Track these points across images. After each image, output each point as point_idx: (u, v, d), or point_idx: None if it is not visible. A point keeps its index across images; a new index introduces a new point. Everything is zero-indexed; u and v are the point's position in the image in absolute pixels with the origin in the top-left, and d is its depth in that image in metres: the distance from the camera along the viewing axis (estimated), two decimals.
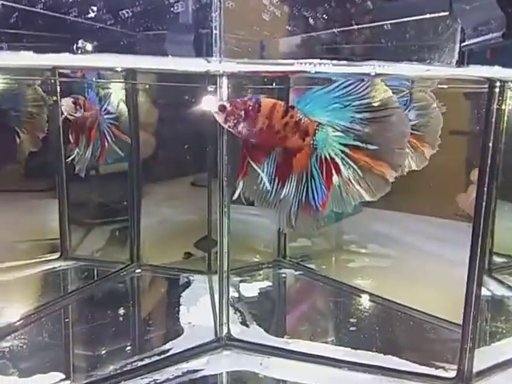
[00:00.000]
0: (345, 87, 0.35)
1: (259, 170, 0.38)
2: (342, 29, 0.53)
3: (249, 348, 0.49)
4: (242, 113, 0.36)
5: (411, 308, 0.55)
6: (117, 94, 0.63)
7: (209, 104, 0.38)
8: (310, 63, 0.35)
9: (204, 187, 0.85)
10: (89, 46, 0.42)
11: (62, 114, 0.59)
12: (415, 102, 0.47)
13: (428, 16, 0.46)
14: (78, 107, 0.56)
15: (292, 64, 0.38)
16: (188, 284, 0.67)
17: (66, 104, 0.56)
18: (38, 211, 0.81)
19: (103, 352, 0.49)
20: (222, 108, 0.37)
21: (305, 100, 0.37)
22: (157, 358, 0.47)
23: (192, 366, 0.46)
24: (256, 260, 0.76)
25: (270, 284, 0.67)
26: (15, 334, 0.52)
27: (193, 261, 0.75)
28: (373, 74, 0.34)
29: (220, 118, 0.37)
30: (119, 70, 0.49)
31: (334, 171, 0.36)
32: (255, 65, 0.44)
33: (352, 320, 0.54)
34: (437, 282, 0.62)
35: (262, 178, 0.38)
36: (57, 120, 0.72)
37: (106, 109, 0.61)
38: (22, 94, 0.66)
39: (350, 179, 0.36)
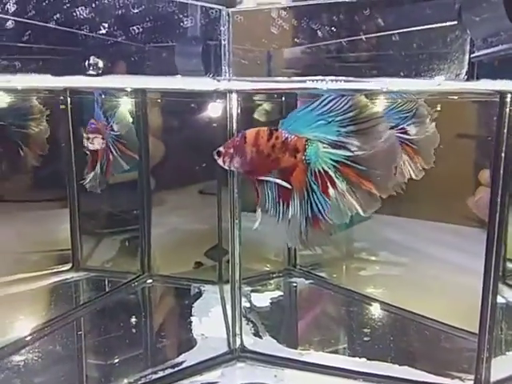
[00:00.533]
0: (326, 104, 0.36)
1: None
2: (348, 39, 0.53)
3: (262, 360, 0.49)
4: (232, 150, 0.39)
5: (425, 317, 0.55)
6: (123, 109, 0.63)
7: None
8: (322, 80, 0.36)
9: (213, 195, 0.85)
10: (100, 63, 0.42)
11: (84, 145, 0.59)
12: (416, 118, 0.48)
13: (436, 25, 0.46)
14: (101, 140, 0.57)
15: (304, 81, 0.39)
16: (199, 294, 0.67)
17: (97, 143, 0.56)
18: (47, 221, 0.81)
19: (117, 365, 0.50)
20: (218, 153, 0.40)
21: (289, 120, 0.38)
22: (170, 370, 0.47)
23: (206, 378, 0.46)
24: (266, 269, 0.76)
25: (282, 293, 0.67)
26: (28, 348, 0.52)
27: (204, 270, 0.75)
28: (384, 89, 0.34)
29: (220, 162, 0.40)
30: (129, 90, 0.50)
31: (329, 184, 0.37)
32: (264, 83, 0.44)
33: (365, 330, 0.54)
34: (450, 290, 0.62)
35: (267, 205, 0.39)
36: (67, 130, 0.73)
37: (111, 125, 0.61)
38: (17, 107, 0.66)
39: (344, 191, 0.36)
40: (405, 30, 0.45)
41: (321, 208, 0.37)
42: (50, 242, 0.79)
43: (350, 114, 0.36)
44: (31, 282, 0.70)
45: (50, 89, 0.53)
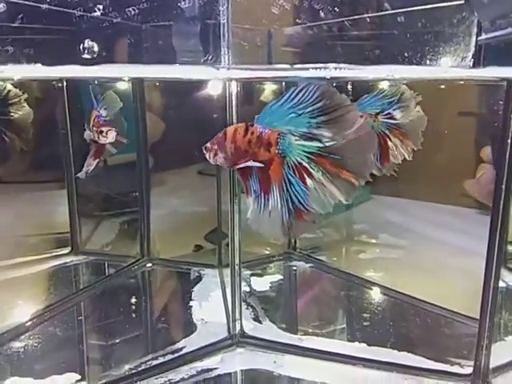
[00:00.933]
0: (296, 96, 0.36)
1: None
2: (351, 18, 0.52)
3: (262, 345, 0.49)
4: (216, 146, 0.40)
5: (425, 301, 0.55)
6: (110, 93, 0.62)
7: None
8: (324, 68, 0.34)
9: (212, 176, 0.84)
10: (95, 47, 0.41)
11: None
12: (401, 102, 0.48)
13: (442, 5, 0.45)
14: (115, 132, 0.55)
15: (306, 69, 0.37)
16: (199, 278, 0.67)
17: (111, 136, 0.54)
18: (45, 203, 0.81)
19: (116, 351, 0.50)
20: (205, 149, 0.41)
21: (263, 115, 0.38)
22: (171, 356, 0.47)
23: (206, 364, 0.46)
24: (266, 252, 0.75)
25: (281, 277, 0.67)
26: (28, 334, 0.52)
27: (203, 254, 0.75)
28: (391, 77, 0.33)
29: (208, 157, 0.41)
30: (126, 79, 0.49)
31: (305, 175, 0.37)
32: (264, 71, 0.43)
33: (365, 315, 0.54)
34: (450, 274, 0.62)
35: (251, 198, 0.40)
36: (63, 111, 0.72)
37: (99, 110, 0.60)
38: None
39: (321, 181, 0.37)
40: (410, 9, 0.44)
41: (301, 199, 0.37)
42: (48, 225, 0.79)
43: (319, 104, 0.35)
44: (31, 265, 0.70)
45: (45, 79, 0.51)
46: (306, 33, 0.53)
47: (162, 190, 0.80)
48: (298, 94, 0.36)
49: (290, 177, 0.37)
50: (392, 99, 0.47)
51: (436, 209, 0.83)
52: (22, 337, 0.51)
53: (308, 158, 0.37)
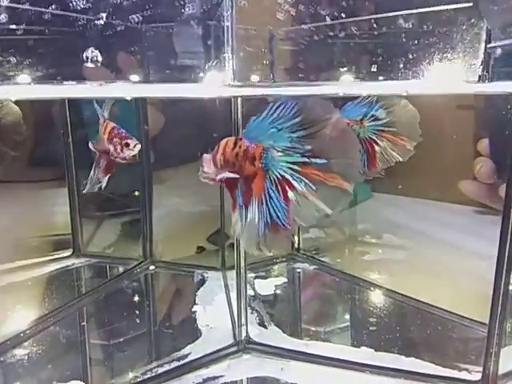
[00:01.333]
0: (274, 111, 0.37)
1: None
2: (354, 18, 0.51)
3: (268, 352, 0.48)
4: (209, 157, 0.41)
5: (432, 305, 0.55)
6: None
7: None
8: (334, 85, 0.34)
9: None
10: (99, 56, 0.40)
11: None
12: (381, 101, 0.47)
13: (451, 6, 0.44)
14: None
15: (319, 85, 0.37)
16: (203, 281, 0.67)
17: (137, 149, 0.50)
18: (46, 204, 0.80)
19: (122, 358, 0.49)
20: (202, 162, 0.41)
21: (248, 130, 0.39)
22: (176, 363, 0.47)
23: (212, 372, 0.46)
24: (270, 254, 0.75)
25: (286, 280, 0.67)
26: (30, 341, 0.51)
27: (206, 256, 0.75)
28: (404, 94, 0.33)
29: (206, 169, 0.41)
30: (129, 99, 0.48)
31: (287, 188, 0.37)
32: (269, 88, 0.44)
33: (372, 319, 0.54)
34: (458, 277, 0.62)
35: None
36: (63, 107, 0.72)
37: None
38: None
39: (305, 193, 0.37)
40: (415, 10, 0.43)
41: (279, 214, 0.37)
42: (48, 226, 0.79)
43: (297, 119, 0.36)
44: (31, 269, 0.69)
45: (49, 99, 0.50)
46: (311, 38, 0.52)
47: (163, 188, 0.80)
48: (277, 110, 0.37)
49: (270, 191, 0.38)
50: (371, 100, 0.47)
51: (440, 207, 0.83)
52: (25, 344, 0.51)
53: (291, 169, 0.37)
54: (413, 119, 0.47)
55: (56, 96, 0.42)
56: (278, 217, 0.37)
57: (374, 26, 0.45)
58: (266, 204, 0.38)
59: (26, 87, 0.37)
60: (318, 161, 0.35)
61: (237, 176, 0.39)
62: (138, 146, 0.48)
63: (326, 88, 0.36)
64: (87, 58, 0.39)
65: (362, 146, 0.47)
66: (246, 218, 0.39)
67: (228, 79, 0.48)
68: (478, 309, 0.54)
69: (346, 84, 0.35)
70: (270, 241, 0.38)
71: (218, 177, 0.40)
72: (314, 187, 0.36)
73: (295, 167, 0.36)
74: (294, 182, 0.37)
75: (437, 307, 0.54)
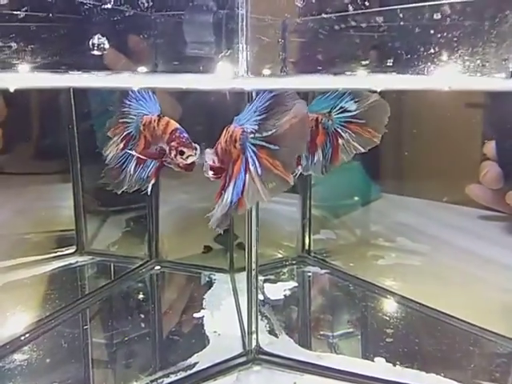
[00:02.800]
0: (257, 100, 0.39)
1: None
2: (380, 11, 0.48)
3: (280, 363, 0.46)
4: (212, 151, 0.42)
5: (452, 316, 0.52)
6: None
7: None
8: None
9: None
10: (106, 43, 0.37)
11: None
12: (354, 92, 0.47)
13: None
14: None
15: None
16: (210, 283, 0.64)
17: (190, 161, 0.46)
18: (49, 198, 0.78)
19: (125, 365, 0.47)
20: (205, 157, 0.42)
21: (238, 117, 0.40)
22: (183, 374, 0.44)
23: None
24: (279, 256, 0.72)
25: (296, 285, 0.64)
26: (30, 344, 0.49)
27: (214, 256, 0.72)
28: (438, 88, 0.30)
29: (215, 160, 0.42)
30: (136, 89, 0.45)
31: (249, 169, 0.38)
32: (283, 78, 0.43)
33: (388, 330, 0.51)
34: (476, 285, 0.59)
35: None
36: (68, 97, 0.69)
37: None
38: None
39: (253, 177, 0.38)
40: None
41: (235, 193, 0.39)
42: (51, 222, 0.76)
43: (265, 104, 0.38)
44: (33, 267, 0.67)
45: (53, 88, 0.47)
46: (329, 28, 0.50)
47: (168, 184, 0.77)
48: (258, 98, 0.39)
49: (241, 171, 0.39)
50: (343, 93, 0.47)
51: (452, 210, 0.80)
52: (25, 346, 0.49)
53: (253, 151, 0.38)
54: (382, 112, 0.47)
55: (61, 85, 0.39)
56: (234, 195, 0.39)
57: (400, 16, 0.43)
58: (235, 183, 0.39)
59: (27, 76, 0.34)
60: (271, 146, 0.37)
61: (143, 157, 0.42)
62: (192, 158, 0.44)
63: (339, 80, 0.37)
64: (94, 44, 0.37)
65: (328, 140, 0.48)
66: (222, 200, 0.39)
67: (241, 71, 0.46)
68: (501, 321, 0.51)
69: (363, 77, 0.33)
70: (222, 219, 0.39)
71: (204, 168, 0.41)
72: (260, 171, 0.38)
73: (255, 149, 0.38)
74: (250, 164, 0.38)
75: (457, 318, 0.52)
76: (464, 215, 0.79)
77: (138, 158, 0.48)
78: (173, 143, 0.44)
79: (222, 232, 0.40)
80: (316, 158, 0.48)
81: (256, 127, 0.38)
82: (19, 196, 0.78)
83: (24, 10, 0.35)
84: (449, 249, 0.71)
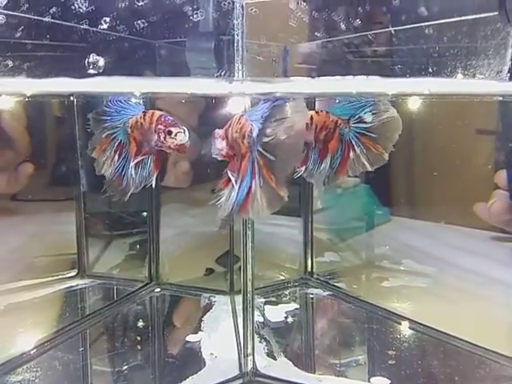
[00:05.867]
0: (261, 104, 0.39)
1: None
2: (376, 31, 0.49)
3: None
4: (221, 132, 0.41)
5: (459, 338, 0.50)
6: None
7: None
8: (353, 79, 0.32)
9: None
10: (101, 62, 0.38)
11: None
12: (373, 105, 0.46)
13: (475, 16, 0.41)
14: None
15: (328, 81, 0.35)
16: (210, 306, 0.63)
17: (180, 139, 0.46)
18: (52, 222, 0.78)
19: None
20: (215, 135, 0.41)
21: (248, 111, 0.40)
22: None
23: None
24: (281, 278, 0.71)
25: (298, 307, 0.63)
26: (29, 365, 0.48)
27: (214, 279, 0.72)
28: (426, 92, 0.30)
29: (217, 145, 0.41)
30: (137, 94, 0.46)
31: (253, 175, 0.38)
32: (279, 83, 0.41)
33: (391, 352, 0.49)
34: (484, 307, 0.57)
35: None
36: (73, 125, 0.70)
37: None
38: None
39: (256, 188, 0.37)
40: (440, 21, 0.40)
41: (241, 196, 0.38)
42: (54, 246, 0.76)
43: (268, 112, 0.37)
44: (35, 289, 0.67)
45: (57, 94, 0.48)
46: (325, 47, 0.50)
47: (174, 208, 0.77)
48: (265, 103, 0.38)
49: (248, 173, 0.38)
50: (363, 103, 0.46)
51: (460, 232, 0.79)
52: (24, 368, 0.48)
53: (256, 157, 0.37)
54: (394, 129, 0.46)
55: (63, 91, 0.40)
56: (239, 199, 0.38)
57: (392, 32, 0.43)
58: (241, 184, 0.38)
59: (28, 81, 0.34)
60: (268, 155, 0.36)
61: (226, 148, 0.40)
62: (181, 135, 0.44)
63: (337, 84, 0.35)
64: (89, 63, 0.37)
65: (340, 148, 0.46)
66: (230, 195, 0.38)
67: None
68: (508, 343, 0.50)
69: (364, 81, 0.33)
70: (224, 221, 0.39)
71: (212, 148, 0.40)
72: (261, 184, 0.37)
73: (258, 157, 0.37)
74: (256, 171, 0.37)
75: (464, 340, 0.50)
76: (471, 237, 0.77)
77: (137, 159, 0.49)
78: (159, 126, 0.45)
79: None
80: (323, 166, 0.46)
81: (259, 128, 0.37)
82: (22, 220, 0.78)
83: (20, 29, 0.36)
84: (455, 270, 0.69)
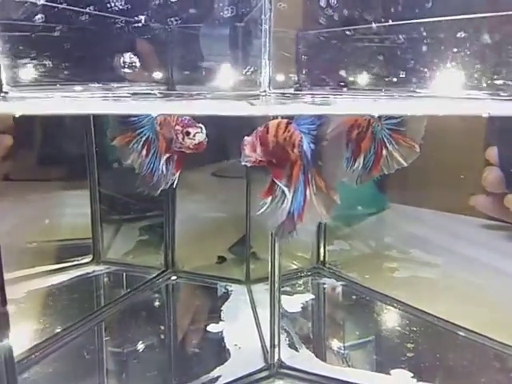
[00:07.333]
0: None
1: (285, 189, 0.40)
2: (396, 22, 0.48)
3: (302, 378, 0.46)
4: (257, 140, 0.40)
5: (471, 331, 0.52)
6: None
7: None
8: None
9: (228, 178, 0.81)
10: (137, 62, 0.38)
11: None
12: None
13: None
14: None
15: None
16: (227, 295, 0.64)
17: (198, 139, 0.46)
18: (65, 204, 0.78)
19: (147, 380, 0.47)
20: (244, 143, 0.41)
21: (300, 119, 0.40)
22: None
23: None
24: (293, 267, 0.73)
25: (313, 297, 0.64)
26: (45, 358, 0.49)
27: (229, 267, 0.73)
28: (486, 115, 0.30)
29: (246, 153, 0.41)
30: (154, 115, 0.46)
31: (307, 184, 0.38)
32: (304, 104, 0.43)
33: (409, 345, 0.51)
34: (497, 300, 0.59)
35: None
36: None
37: None
38: None
39: (312, 195, 0.38)
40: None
41: (295, 206, 0.38)
42: (68, 229, 0.76)
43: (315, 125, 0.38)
44: (50, 276, 0.67)
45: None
46: (354, 45, 0.50)
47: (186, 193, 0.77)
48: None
49: (301, 181, 0.38)
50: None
51: (460, 220, 0.80)
52: (41, 361, 0.48)
53: (310, 165, 0.37)
54: (420, 121, 0.46)
55: (85, 113, 0.40)
56: (294, 209, 0.38)
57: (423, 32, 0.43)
58: (293, 193, 0.38)
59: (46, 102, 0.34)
60: (318, 163, 0.37)
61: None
62: (199, 135, 0.45)
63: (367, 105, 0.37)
64: (124, 62, 0.37)
65: (373, 146, 0.46)
66: (281, 204, 0.39)
67: (264, 86, 0.47)
68: None
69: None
70: (281, 231, 0.39)
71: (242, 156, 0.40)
72: (315, 191, 0.37)
73: (310, 164, 0.37)
74: (309, 179, 0.38)
75: (478, 333, 0.51)
76: (470, 225, 0.78)
77: (166, 156, 0.49)
78: (177, 127, 0.45)
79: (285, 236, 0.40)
80: (356, 165, 0.46)
81: (313, 137, 0.38)
82: (34, 203, 0.77)
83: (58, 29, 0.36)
84: (461, 260, 0.70)
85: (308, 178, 0.38)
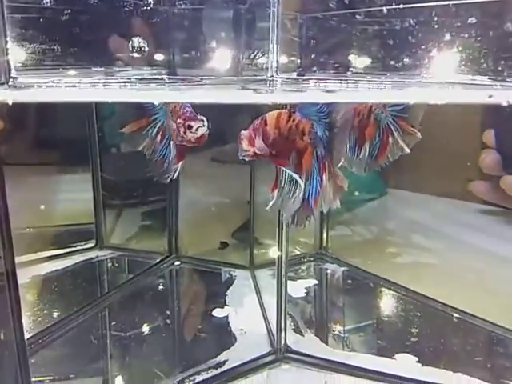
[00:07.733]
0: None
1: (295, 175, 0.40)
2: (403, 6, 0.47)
3: (308, 362, 0.47)
4: (254, 133, 0.40)
5: (476, 316, 0.53)
6: None
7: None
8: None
9: (228, 163, 0.81)
10: (145, 46, 0.37)
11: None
12: None
13: None
14: None
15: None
16: (231, 280, 0.65)
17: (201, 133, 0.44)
18: (67, 188, 0.77)
19: (154, 363, 0.47)
20: (241, 136, 0.40)
21: (305, 106, 0.40)
22: (214, 372, 0.45)
23: (251, 382, 0.44)
24: (296, 253, 0.73)
25: (316, 282, 0.65)
26: (51, 344, 0.49)
27: (233, 252, 0.73)
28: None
29: (243, 146, 0.40)
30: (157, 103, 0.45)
31: (322, 170, 0.39)
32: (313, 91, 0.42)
33: (413, 330, 0.52)
34: (498, 285, 0.59)
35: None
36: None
37: None
38: None
39: (326, 181, 0.39)
40: None
41: (311, 192, 0.39)
42: (70, 214, 0.76)
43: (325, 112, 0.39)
44: (54, 261, 0.67)
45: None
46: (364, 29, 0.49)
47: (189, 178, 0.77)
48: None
49: (315, 168, 0.39)
50: None
51: (457, 205, 0.80)
52: (47, 345, 0.49)
53: (324, 151, 0.38)
54: (420, 106, 0.45)
55: (87, 100, 0.39)
56: (310, 195, 0.39)
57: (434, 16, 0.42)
58: (308, 180, 0.39)
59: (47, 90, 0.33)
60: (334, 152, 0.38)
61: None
62: (202, 129, 0.43)
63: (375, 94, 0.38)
64: (133, 47, 0.37)
65: (378, 134, 0.45)
66: (293, 192, 0.39)
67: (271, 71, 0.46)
68: None
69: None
70: (299, 217, 0.39)
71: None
72: (329, 178, 0.38)
73: (323, 150, 0.38)
74: (326, 166, 0.38)
75: (480, 318, 0.52)
76: (469, 210, 0.78)
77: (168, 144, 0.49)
78: (179, 120, 0.44)
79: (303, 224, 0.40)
80: (362, 154, 0.45)
81: (325, 122, 0.38)
82: (36, 187, 0.77)
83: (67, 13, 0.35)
84: (462, 246, 0.71)
85: (324, 164, 0.38)
